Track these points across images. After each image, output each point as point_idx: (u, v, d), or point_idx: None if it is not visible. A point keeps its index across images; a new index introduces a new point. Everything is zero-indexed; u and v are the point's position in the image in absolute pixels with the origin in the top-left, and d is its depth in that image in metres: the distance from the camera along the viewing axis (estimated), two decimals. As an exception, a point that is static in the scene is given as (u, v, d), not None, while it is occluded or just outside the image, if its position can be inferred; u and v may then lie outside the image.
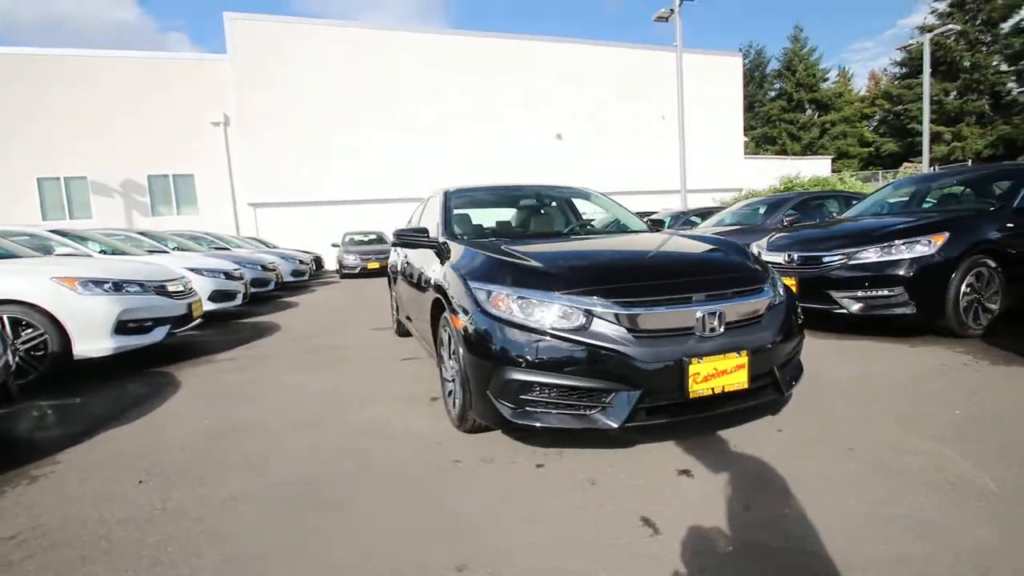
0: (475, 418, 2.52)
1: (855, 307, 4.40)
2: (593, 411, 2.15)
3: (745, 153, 28.47)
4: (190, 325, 5.37)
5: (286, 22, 19.85)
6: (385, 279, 6.77)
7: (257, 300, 9.64)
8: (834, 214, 7.26)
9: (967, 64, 35.39)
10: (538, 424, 2.20)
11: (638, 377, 2.11)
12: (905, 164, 32.91)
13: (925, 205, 5.58)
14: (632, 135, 24.03)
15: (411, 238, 3.46)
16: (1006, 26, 34.44)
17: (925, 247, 4.20)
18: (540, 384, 2.17)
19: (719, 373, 2.18)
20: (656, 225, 4.02)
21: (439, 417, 3.00)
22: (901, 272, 4.20)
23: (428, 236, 3.45)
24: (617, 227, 4.04)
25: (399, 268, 4.77)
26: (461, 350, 2.44)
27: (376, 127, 20.36)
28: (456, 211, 3.82)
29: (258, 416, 3.22)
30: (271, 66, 19.13)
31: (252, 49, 19.01)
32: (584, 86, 23.20)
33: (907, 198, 5.89)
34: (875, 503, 1.88)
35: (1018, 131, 31.59)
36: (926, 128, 22.02)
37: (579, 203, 4.62)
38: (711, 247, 2.93)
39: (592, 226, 4.24)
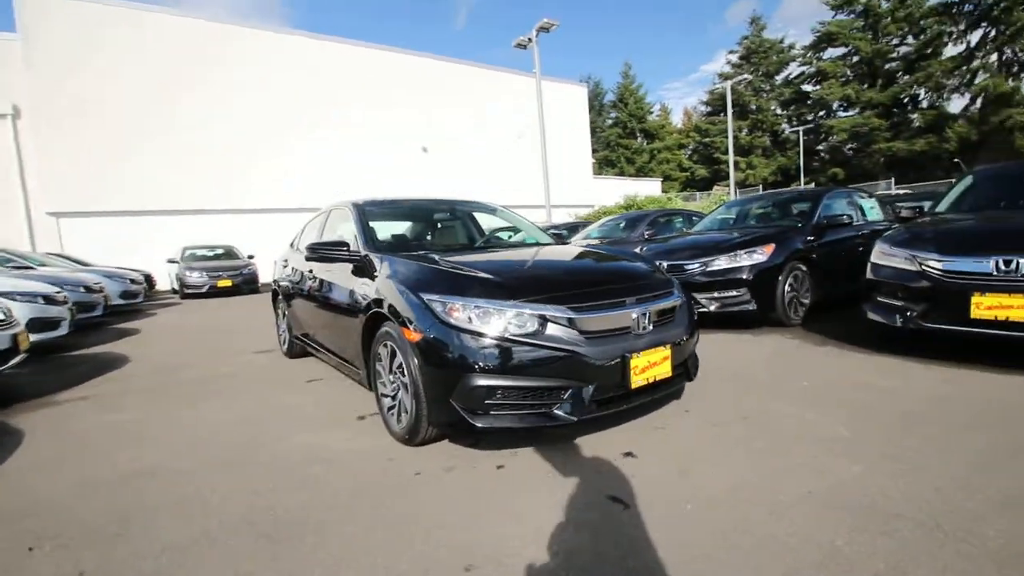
0: (430, 429, 2.56)
1: (713, 307, 5.29)
2: (553, 407, 2.36)
3: (593, 174, 31.41)
4: (14, 361, 4.39)
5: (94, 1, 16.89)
6: (239, 297, 6.22)
7: (81, 329, 8.08)
8: (682, 229, 8.50)
9: (753, 107, 43.60)
10: (503, 425, 2.34)
11: (590, 373, 2.37)
12: (716, 186, 39.23)
13: (750, 222, 6.88)
14: (493, 152, 25.03)
15: (330, 252, 3.34)
16: (779, 77, 43.21)
17: (760, 255, 5.22)
18: (504, 388, 2.31)
19: (651, 365, 2.55)
20: (559, 239, 4.40)
21: (377, 434, 2.95)
22: (744, 276, 5.17)
23: (348, 250, 3.36)
24: (527, 240, 4.33)
25: (297, 284, 4.49)
26: (415, 362, 2.47)
27: (210, 130, 18.27)
28: (370, 224, 3.77)
29: (162, 458, 2.82)
30: (75, 52, 16.13)
31: (51, 29, 15.86)
32: (447, 103, 23.63)
33: (735, 216, 7.20)
34: (769, 455, 2.38)
35: (791, 162, 39.66)
36: (731, 158, 26.55)
37: (482, 216, 4.84)
38: (625, 258, 3.35)
39: (500, 238, 4.48)
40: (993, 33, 32.17)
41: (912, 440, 2.46)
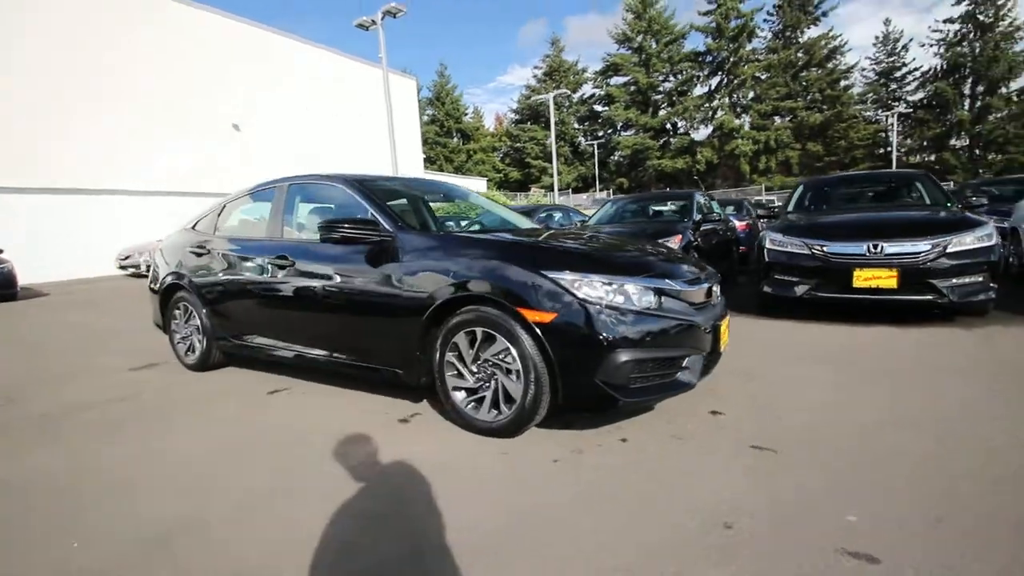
0: (538, 417, 2.42)
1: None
2: (676, 375, 2.46)
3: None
4: None
5: None
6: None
7: None
8: (562, 223, 9.17)
9: (556, 120, 48.51)
10: (641, 397, 2.36)
11: (701, 341, 2.54)
12: (533, 188, 42.61)
13: (640, 218, 7.82)
14: (319, 137, 23.01)
15: (357, 232, 2.83)
16: (575, 96, 48.85)
17: (674, 244, 6.02)
18: (644, 360, 2.34)
19: (725, 332, 2.83)
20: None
21: (445, 434, 2.65)
22: (662, 262, 5.92)
23: (379, 229, 2.89)
24: (504, 224, 4.15)
25: (236, 275, 3.62)
26: (539, 344, 2.32)
27: None
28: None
29: (162, 509, 2.06)
30: None
31: None
32: (267, 77, 20.85)
33: (622, 214, 8.11)
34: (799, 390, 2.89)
35: (589, 171, 45.31)
36: (555, 165, 29.14)
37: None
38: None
39: (483, 224, 4.30)
40: (726, 81, 41.71)
41: (853, 372, 3.24)
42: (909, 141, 38.13)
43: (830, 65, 39.98)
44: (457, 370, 2.65)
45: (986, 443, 2.27)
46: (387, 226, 2.92)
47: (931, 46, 36.72)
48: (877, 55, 39.80)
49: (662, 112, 43.65)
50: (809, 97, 40.64)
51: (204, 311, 3.93)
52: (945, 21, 35.49)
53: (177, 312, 4.19)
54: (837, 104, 39.58)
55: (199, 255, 3.96)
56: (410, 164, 28.09)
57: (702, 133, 44.21)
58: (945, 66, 35.67)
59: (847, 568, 1.52)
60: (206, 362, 4.06)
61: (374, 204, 3.09)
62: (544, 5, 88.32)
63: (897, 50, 38.97)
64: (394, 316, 2.81)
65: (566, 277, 2.36)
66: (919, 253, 4.42)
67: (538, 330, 2.33)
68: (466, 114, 54.08)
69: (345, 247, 3.02)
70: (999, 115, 32.98)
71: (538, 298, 2.35)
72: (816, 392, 3.02)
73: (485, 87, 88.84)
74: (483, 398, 2.58)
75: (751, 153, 39.89)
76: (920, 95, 37.75)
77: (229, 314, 3.78)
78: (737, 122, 40.45)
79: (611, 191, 42.23)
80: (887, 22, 50.50)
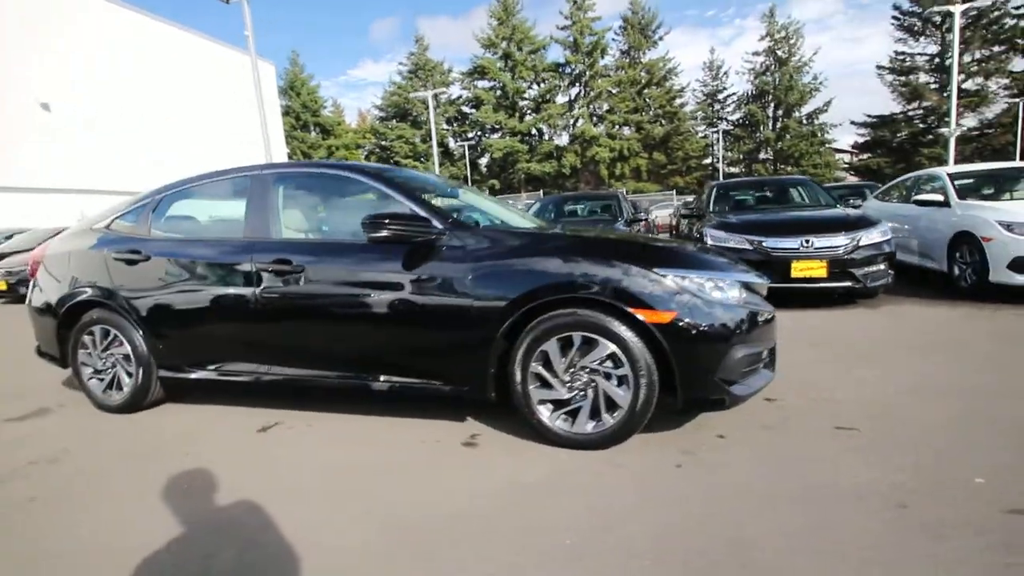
0: (644, 422, 2.30)
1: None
2: (762, 367, 2.51)
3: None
4: None
5: None
6: None
7: None
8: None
9: (423, 118, 47.76)
10: (745, 392, 2.36)
11: (776, 331, 2.63)
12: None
13: (576, 217, 8.02)
14: (159, 123, 19.67)
15: (406, 229, 2.42)
16: (443, 96, 48.52)
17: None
18: (751, 355, 2.34)
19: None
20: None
21: (537, 452, 2.40)
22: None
23: (429, 227, 2.50)
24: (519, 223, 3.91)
25: (203, 283, 2.87)
26: (665, 345, 2.19)
27: None
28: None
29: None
30: None
31: None
32: (86, 48, 17.15)
33: (555, 212, 8.24)
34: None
35: (461, 171, 45.32)
36: (436, 164, 28.49)
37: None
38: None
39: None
40: (583, 92, 44.88)
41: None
42: (730, 154, 44.83)
43: (667, 84, 45.30)
44: (543, 381, 2.40)
45: (993, 396, 2.70)
46: (437, 223, 2.54)
47: (744, 74, 43.71)
48: (705, 79, 46.13)
49: (528, 118, 45.44)
50: (652, 112, 45.56)
51: (141, 335, 3.05)
52: (753, 53, 42.61)
53: (87, 339, 3.20)
54: (675, 119, 45.00)
55: (131, 263, 3.06)
56: (275, 153, 25.39)
57: (564, 139, 47.00)
58: (755, 91, 42.73)
59: (1033, 528, 1.67)
60: (140, 400, 3.17)
61: (413, 198, 2.67)
62: (395, 2, 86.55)
63: (719, 75, 45.63)
64: (459, 326, 2.46)
65: (680, 274, 2.27)
66: (841, 246, 5.17)
67: (656, 331, 2.20)
68: (324, 107, 50.55)
69: (377, 248, 2.57)
70: (795, 134, 40.44)
71: (655, 297, 2.22)
72: (827, 370, 3.33)
73: (335, 80, 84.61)
74: (578, 409, 2.37)
75: (609, 159, 43.48)
76: (737, 115, 44.67)
77: (188, 337, 2.98)
78: (596, 130, 43.74)
79: (486, 191, 42.82)
80: (712, 51, 59.11)
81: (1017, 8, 34.01)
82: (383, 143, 48.77)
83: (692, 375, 2.25)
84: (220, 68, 24.99)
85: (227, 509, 2.07)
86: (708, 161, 47.12)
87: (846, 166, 42.60)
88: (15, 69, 15.07)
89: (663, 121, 45.52)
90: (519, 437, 2.56)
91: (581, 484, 2.10)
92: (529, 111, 46.08)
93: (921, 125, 37.97)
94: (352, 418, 2.93)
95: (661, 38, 45.15)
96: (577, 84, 45.38)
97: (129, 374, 3.13)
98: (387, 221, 2.39)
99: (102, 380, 3.22)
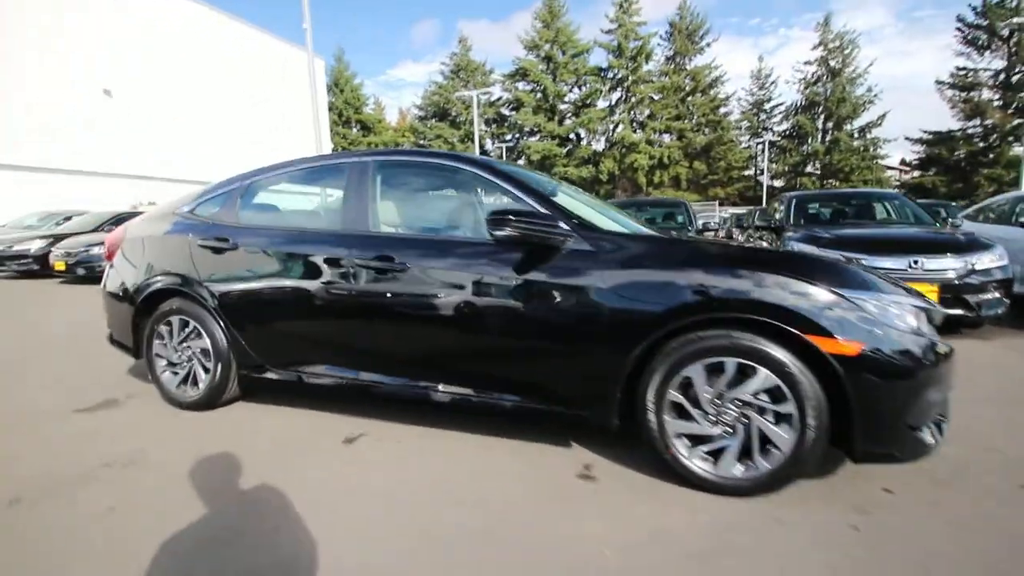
0: (802, 466, 1.95)
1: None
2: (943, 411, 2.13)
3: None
4: None
5: None
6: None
7: None
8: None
9: (463, 119, 47.91)
10: (937, 442, 2.00)
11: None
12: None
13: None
14: (214, 115, 20.10)
15: (534, 229, 2.14)
16: (483, 97, 48.54)
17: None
18: (943, 398, 1.99)
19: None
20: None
21: (676, 496, 2.07)
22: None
23: (557, 228, 2.21)
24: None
25: (282, 278, 2.66)
26: (846, 382, 1.85)
27: None
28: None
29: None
30: None
31: None
32: (143, 38, 17.63)
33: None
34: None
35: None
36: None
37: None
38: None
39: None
40: (625, 97, 44.26)
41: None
42: (775, 166, 43.51)
43: (712, 92, 44.27)
44: (681, 411, 2.08)
45: None
46: (563, 224, 2.25)
47: (794, 83, 42.40)
48: (751, 88, 44.94)
49: (568, 121, 45.06)
50: (695, 120, 44.58)
51: (223, 329, 2.85)
52: (805, 63, 41.24)
53: (164, 329, 3.02)
54: (718, 128, 43.91)
55: (217, 251, 2.87)
56: (323, 151, 25.77)
57: (602, 144, 46.44)
58: (804, 102, 41.34)
59: None
60: (216, 398, 2.98)
61: (535, 194, 2.40)
62: (436, 5, 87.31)
63: (767, 85, 44.37)
64: (585, 341, 2.17)
65: (867, 297, 1.93)
66: (954, 269, 4.68)
67: (837, 364, 1.86)
68: (367, 104, 51.27)
69: (493, 248, 2.30)
70: (845, 148, 38.93)
71: (838, 323, 1.87)
72: (980, 413, 2.90)
73: (375, 79, 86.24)
74: (722, 448, 2.04)
75: (647, 167, 42.71)
76: (785, 126, 43.32)
77: (272, 335, 2.78)
78: (636, 136, 43.04)
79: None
80: (760, 59, 57.81)
81: (1096, 23, 32.07)
82: (422, 142, 49.10)
83: (877, 420, 1.89)
84: (272, 60, 25.46)
85: (325, 531, 1.81)
86: (750, 172, 45.83)
87: (897, 184, 40.82)
88: (76, 55, 15.55)
89: (706, 130, 44.51)
90: (640, 472, 2.24)
91: (743, 545, 1.76)
92: (569, 115, 45.70)
93: (981, 144, 36.07)
94: (444, 435, 2.66)
95: (709, 44, 44.21)
96: (619, 88, 44.76)
97: (206, 369, 2.95)
98: (513, 218, 2.12)
99: (176, 374, 3.04)
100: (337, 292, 2.55)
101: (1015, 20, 29.98)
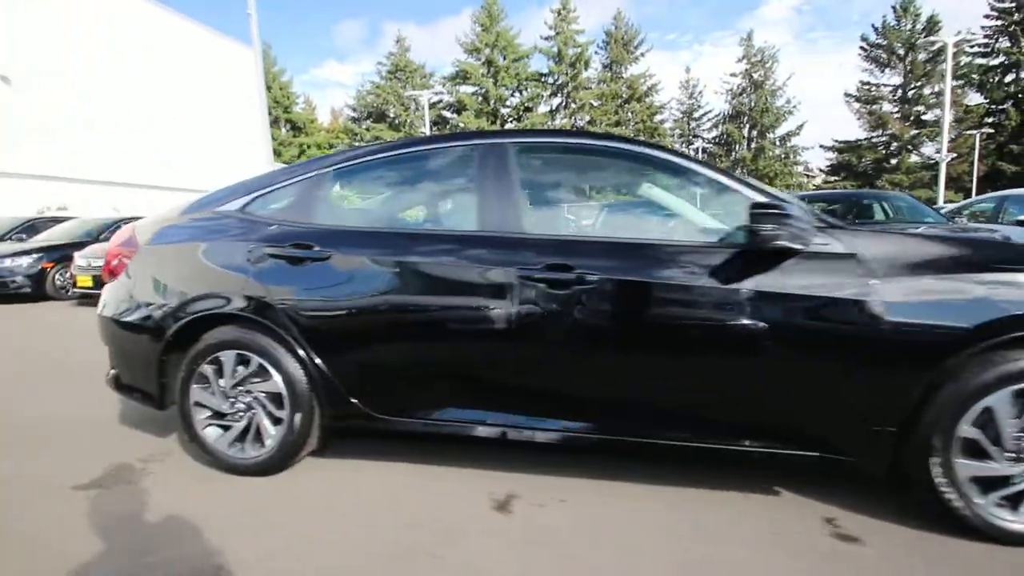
0: None
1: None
2: None
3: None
4: None
5: None
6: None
7: None
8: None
9: (402, 120, 46.54)
10: None
11: None
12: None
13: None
14: (134, 108, 17.96)
15: (789, 230, 1.66)
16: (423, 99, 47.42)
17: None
18: None
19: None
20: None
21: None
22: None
23: (802, 222, 1.75)
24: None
25: (406, 296, 2.03)
26: None
27: None
28: None
29: None
30: None
31: None
32: (50, 22, 15.37)
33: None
34: None
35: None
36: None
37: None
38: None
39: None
40: (566, 103, 44.87)
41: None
42: (706, 171, 45.83)
43: (648, 100, 45.89)
44: (977, 450, 1.68)
45: None
46: (805, 219, 1.80)
47: (722, 94, 44.87)
48: (682, 97, 47.04)
49: (509, 125, 44.95)
50: (632, 126, 45.98)
51: (309, 365, 2.13)
52: (731, 74, 43.77)
53: (209, 369, 2.24)
54: (655, 135, 45.55)
55: (296, 261, 2.15)
56: (255, 153, 23.84)
57: (544, 149, 46.66)
58: (732, 111, 43.83)
59: None
60: (291, 457, 2.26)
61: (753, 187, 1.92)
62: (362, 5, 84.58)
63: (695, 95, 46.62)
64: (850, 368, 1.72)
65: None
66: None
67: None
68: (296, 103, 48.54)
69: (703, 253, 1.82)
70: (769, 155, 41.66)
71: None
72: None
73: (300, 78, 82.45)
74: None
75: (589, 171, 43.53)
76: (714, 133, 45.68)
77: (387, 370, 2.10)
78: (579, 142, 43.73)
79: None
80: (688, 70, 60.77)
81: (972, 47, 36.51)
82: (358, 143, 47.17)
83: None
84: (199, 52, 23.23)
85: None
86: (684, 177, 47.97)
87: (814, 189, 44.28)
88: None
89: (644, 136, 46.08)
90: (905, 525, 1.82)
91: None
92: (511, 119, 45.64)
93: (884, 152, 39.91)
94: (613, 488, 2.11)
95: (643, 54, 45.77)
96: (560, 94, 45.33)
97: (276, 420, 2.21)
98: (781, 213, 1.64)
99: (227, 428, 2.27)
100: (487, 314, 1.94)
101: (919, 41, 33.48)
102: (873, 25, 39.26)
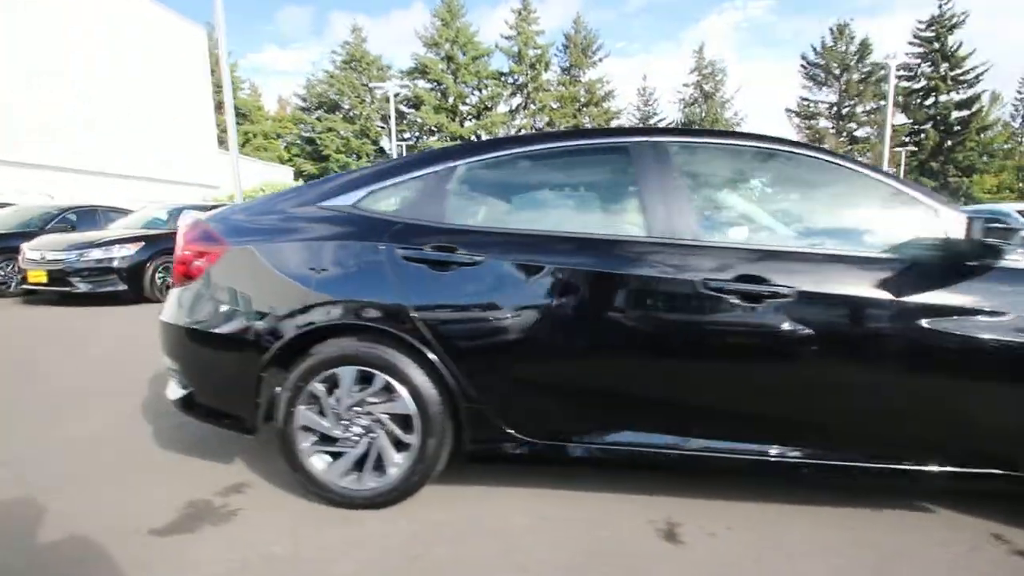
0: None
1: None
2: None
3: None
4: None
5: None
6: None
7: None
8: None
9: (357, 112, 45.02)
10: None
11: None
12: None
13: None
14: (58, 87, 16.28)
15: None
16: (379, 92, 46.13)
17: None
18: None
19: None
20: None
21: None
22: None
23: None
24: None
25: (573, 309, 1.84)
26: None
27: None
28: None
29: None
30: None
31: None
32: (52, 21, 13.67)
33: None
34: None
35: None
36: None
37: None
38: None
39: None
40: (525, 103, 44.96)
41: None
42: (658, 176, 47.32)
43: (605, 105, 46.80)
44: None
45: None
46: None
47: (675, 103, 46.49)
48: (639, 103, 48.32)
49: (469, 123, 44.51)
50: (589, 129, 46.88)
51: (450, 383, 1.88)
52: (684, 85, 45.47)
53: (320, 388, 1.94)
54: (611, 139, 46.59)
55: (439, 266, 1.89)
56: (198, 141, 22.35)
57: (502, 148, 46.54)
58: (684, 120, 45.48)
59: None
60: (416, 487, 2.00)
61: (941, 201, 1.86)
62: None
63: (650, 101, 48.03)
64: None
65: None
66: None
67: None
68: (241, 88, 45.84)
69: (903, 268, 1.75)
70: (719, 164, 43.70)
71: None
72: None
73: (237, 61, 78.52)
74: None
75: (547, 172, 43.82)
76: (667, 141, 47.30)
77: (546, 390, 1.89)
78: (539, 142, 43.90)
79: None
80: (644, 77, 62.59)
81: (898, 70, 39.79)
82: (308, 135, 45.23)
83: None
84: (152, 33, 21.36)
85: None
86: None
87: (757, 196, 46.71)
88: None
89: (599, 140, 46.93)
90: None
91: None
92: (470, 116, 45.22)
93: (822, 165, 42.72)
94: (770, 511, 2.00)
95: (601, 60, 46.59)
96: (519, 95, 45.34)
97: (402, 445, 1.94)
98: (1008, 228, 1.58)
99: (339, 455, 1.97)
100: (670, 328, 1.77)
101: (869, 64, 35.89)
102: (812, 45, 41.88)
